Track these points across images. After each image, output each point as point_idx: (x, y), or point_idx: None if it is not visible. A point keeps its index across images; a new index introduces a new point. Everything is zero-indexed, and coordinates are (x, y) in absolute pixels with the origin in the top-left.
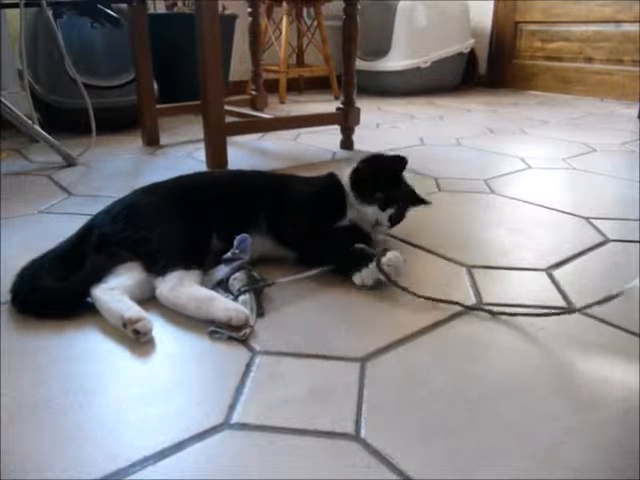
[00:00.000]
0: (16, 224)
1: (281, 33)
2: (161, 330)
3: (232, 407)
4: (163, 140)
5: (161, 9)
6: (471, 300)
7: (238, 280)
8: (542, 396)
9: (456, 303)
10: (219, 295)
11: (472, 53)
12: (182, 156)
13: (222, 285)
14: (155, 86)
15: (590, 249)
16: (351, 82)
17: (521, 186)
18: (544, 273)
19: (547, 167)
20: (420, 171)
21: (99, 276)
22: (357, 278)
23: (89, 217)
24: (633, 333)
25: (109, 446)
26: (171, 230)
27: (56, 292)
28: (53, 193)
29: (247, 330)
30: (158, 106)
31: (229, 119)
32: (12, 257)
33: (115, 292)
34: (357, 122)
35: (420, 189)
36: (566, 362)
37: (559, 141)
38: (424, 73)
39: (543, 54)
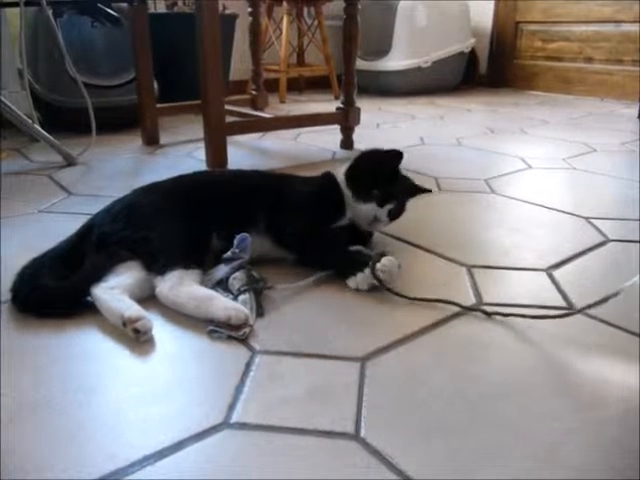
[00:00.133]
0: (16, 223)
1: (281, 33)
2: (161, 329)
3: (232, 407)
4: (163, 139)
5: (161, 8)
6: (471, 300)
7: (238, 279)
8: (542, 396)
9: (452, 303)
10: (218, 294)
11: (473, 53)
12: (182, 155)
13: (222, 284)
14: (155, 85)
15: (590, 249)
16: (351, 82)
17: (521, 186)
18: (544, 273)
19: (547, 167)
20: (420, 171)
21: (99, 275)
22: (352, 282)
23: (89, 216)
24: (633, 333)
25: (109, 446)
26: (171, 229)
27: (56, 291)
28: (53, 192)
29: (246, 329)
30: (158, 105)
31: (229, 119)
32: (12, 256)
33: (115, 291)
34: (357, 122)
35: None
36: (566, 362)
37: (559, 141)
38: (425, 73)
39: (543, 54)
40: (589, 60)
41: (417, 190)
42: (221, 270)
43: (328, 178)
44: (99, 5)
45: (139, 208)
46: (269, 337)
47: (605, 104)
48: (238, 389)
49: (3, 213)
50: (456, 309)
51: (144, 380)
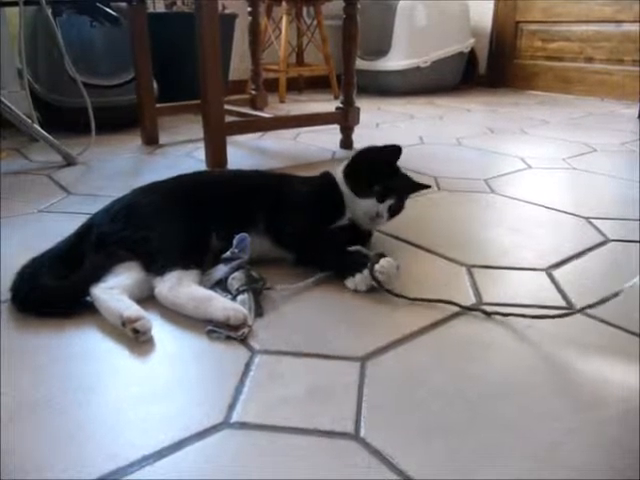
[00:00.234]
0: (16, 223)
1: (281, 32)
2: (160, 329)
3: (232, 406)
4: (163, 139)
5: (160, 8)
6: (471, 300)
7: (237, 280)
8: (542, 396)
9: (451, 303)
10: (217, 295)
11: (472, 53)
12: (182, 155)
13: (221, 285)
14: (155, 85)
15: (590, 249)
16: (351, 81)
17: (521, 186)
18: (544, 273)
19: (547, 167)
20: (420, 170)
21: (98, 275)
22: (350, 283)
23: (88, 216)
24: (633, 333)
25: (109, 445)
26: (170, 230)
27: (56, 291)
28: (53, 192)
29: (245, 330)
30: (158, 105)
31: (229, 118)
32: (12, 256)
33: (114, 291)
34: (357, 121)
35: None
36: (566, 362)
37: (559, 141)
38: (424, 73)
39: (543, 54)
40: (589, 60)
41: (416, 187)
42: (220, 270)
43: (327, 178)
44: (98, 5)
45: (138, 208)
46: (269, 337)
47: (605, 104)
48: (238, 389)
49: (3, 213)
50: (456, 309)
51: (144, 380)
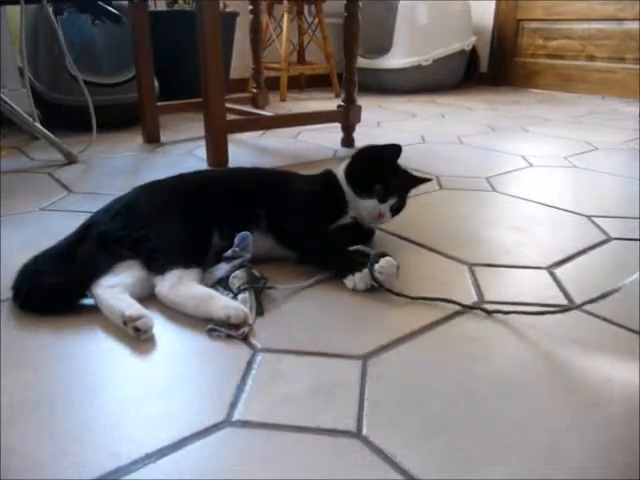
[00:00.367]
0: (17, 221)
1: (282, 30)
2: (162, 328)
3: (234, 405)
4: (164, 138)
5: (162, 6)
6: (472, 298)
7: (238, 278)
8: (543, 394)
9: (452, 301)
10: (218, 294)
11: (474, 51)
12: (183, 154)
13: (222, 283)
14: (156, 83)
15: (592, 247)
16: (352, 80)
17: (523, 184)
18: (546, 271)
19: (549, 165)
20: (421, 169)
21: (99, 274)
22: (349, 282)
23: (89, 214)
24: (634, 331)
25: (110, 444)
26: (171, 228)
27: (56, 289)
28: (54, 191)
29: (246, 329)
30: (159, 103)
31: (230, 117)
32: (13, 254)
33: (115, 290)
34: (358, 120)
35: (422, 187)
36: (567, 360)
37: (561, 139)
38: (425, 71)
39: (545, 52)
40: (591, 58)
41: (416, 181)
42: (222, 268)
43: (328, 176)
44: (99, 3)
45: (139, 207)
46: (270, 335)
47: (607, 102)
48: (240, 387)
49: (4, 211)
50: (457, 307)
51: (145, 378)
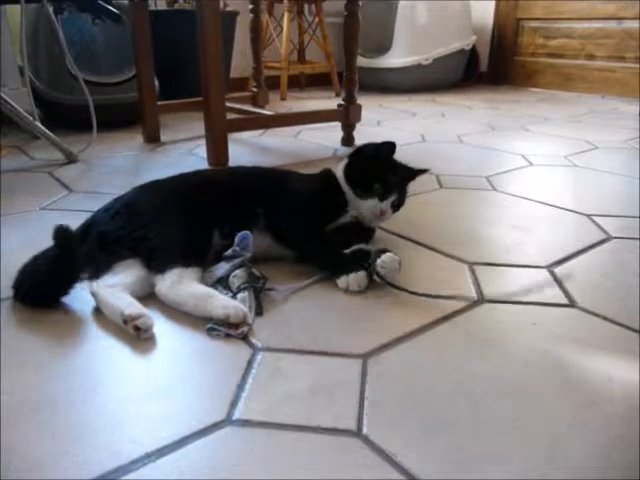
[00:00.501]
0: (17, 221)
1: (282, 30)
2: (162, 327)
3: (234, 404)
4: (164, 137)
5: (162, 5)
6: (473, 297)
7: (238, 278)
8: (543, 393)
9: (455, 298)
10: (217, 293)
11: (474, 50)
12: (183, 153)
13: (222, 282)
14: (156, 83)
15: (592, 246)
16: (352, 79)
17: (523, 183)
18: (546, 270)
19: (548, 164)
20: (421, 168)
21: (99, 273)
22: (342, 282)
23: (90, 214)
24: (634, 330)
25: (111, 443)
26: (171, 228)
27: (55, 287)
28: (54, 190)
29: (245, 328)
30: (159, 103)
31: (230, 116)
32: (13, 254)
33: (115, 289)
34: (358, 119)
35: (421, 186)
36: (568, 360)
37: (561, 138)
38: (425, 70)
39: (545, 51)
40: (591, 57)
41: (414, 173)
42: (222, 268)
43: (327, 176)
44: (100, 2)
45: (139, 206)
46: (270, 334)
47: (606, 101)
48: (240, 386)
49: (4, 210)
50: (458, 307)
51: (145, 377)
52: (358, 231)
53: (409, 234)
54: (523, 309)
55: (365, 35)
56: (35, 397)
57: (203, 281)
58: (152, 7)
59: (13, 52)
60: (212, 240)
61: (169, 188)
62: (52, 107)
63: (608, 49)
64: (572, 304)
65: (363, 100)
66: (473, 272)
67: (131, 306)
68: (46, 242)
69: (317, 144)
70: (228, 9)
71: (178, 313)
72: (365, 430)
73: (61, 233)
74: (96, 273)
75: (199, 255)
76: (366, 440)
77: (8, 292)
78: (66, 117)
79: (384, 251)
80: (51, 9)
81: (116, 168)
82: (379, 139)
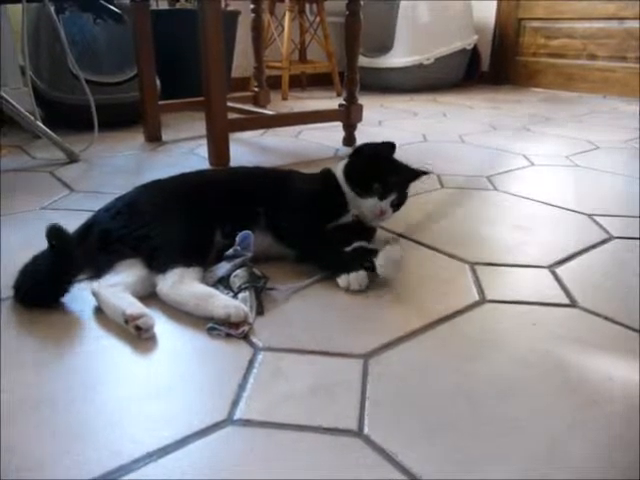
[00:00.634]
0: (18, 220)
1: (283, 29)
2: (163, 327)
3: (235, 403)
4: (165, 136)
5: (164, 5)
6: (474, 297)
7: (239, 277)
8: (544, 393)
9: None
10: (218, 292)
11: (475, 50)
12: (184, 152)
13: (223, 282)
14: (157, 82)
15: (593, 246)
16: (354, 79)
17: (524, 183)
18: (547, 270)
19: (550, 164)
20: (423, 168)
21: (100, 272)
22: (342, 281)
23: (91, 213)
24: (634, 330)
25: (112, 442)
26: (172, 227)
27: (56, 287)
28: (55, 189)
29: (245, 328)
30: (160, 102)
31: (231, 115)
32: (14, 254)
33: (116, 288)
34: (359, 119)
35: (423, 186)
36: (568, 359)
37: (562, 138)
38: (427, 70)
39: (546, 51)
40: (592, 57)
41: (415, 174)
42: (223, 267)
43: (327, 176)
44: (101, 1)
45: (140, 206)
46: (271, 334)
47: (608, 101)
48: (241, 386)
49: (4, 210)
50: (459, 307)
51: (146, 377)
52: (359, 230)
53: (410, 234)
54: (524, 309)
55: (366, 35)
56: (35, 396)
57: (204, 281)
58: (153, 7)
59: (14, 51)
60: (213, 240)
61: (170, 187)
62: (53, 106)
63: (609, 49)
64: (573, 304)
65: (364, 100)
66: (474, 272)
67: (132, 306)
68: (47, 242)
69: (318, 144)
70: (229, 9)
71: (179, 313)
72: (366, 430)
73: (54, 233)
74: (97, 272)
75: (200, 255)
76: (367, 440)
77: (8, 292)
78: (67, 117)
79: (387, 242)
80: (52, 8)
81: (117, 168)
82: (380, 139)
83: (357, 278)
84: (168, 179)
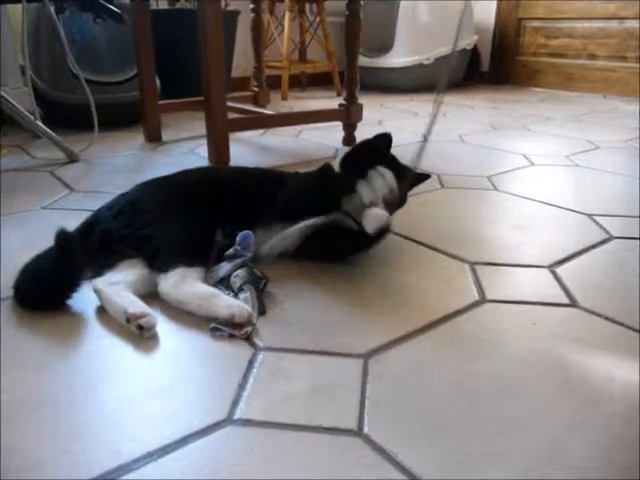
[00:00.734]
0: (18, 220)
1: (283, 29)
2: (164, 326)
3: (235, 403)
4: (165, 136)
5: (164, 5)
6: (474, 297)
7: (239, 277)
8: (544, 393)
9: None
10: (221, 293)
11: (475, 50)
12: (184, 152)
13: (224, 282)
14: (157, 82)
15: (593, 246)
16: (354, 78)
17: (524, 183)
18: (547, 270)
19: (550, 164)
20: (423, 168)
21: (101, 271)
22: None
23: (91, 213)
24: (635, 330)
25: (112, 442)
26: (173, 227)
27: (57, 287)
28: (55, 189)
29: (249, 328)
30: (160, 102)
31: (231, 115)
32: (14, 253)
33: (118, 287)
34: (359, 118)
35: (423, 186)
36: (568, 359)
37: (562, 138)
38: (427, 70)
39: (546, 51)
40: (592, 57)
41: (417, 178)
42: (223, 267)
43: (325, 167)
44: (101, 1)
45: (141, 205)
46: (272, 334)
47: (608, 101)
48: (241, 386)
49: (5, 210)
50: (459, 306)
51: (147, 376)
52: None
53: (410, 234)
54: (524, 309)
55: (366, 34)
56: (35, 395)
57: (205, 281)
58: (153, 6)
59: (14, 51)
60: (214, 239)
61: (172, 187)
62: (53, 106)
63: (609, 49)
64: (573, 304)
65: (364, 100)
66: (474, 272)
67: (134, 305)
68: (47, 242)
69: (318, 144)
70: (229, 8)
71: (180, 312)
72: (366, 430)
73: (62, 237)
74: (98, 272)
75: (202, 254)
76: (367, 440)
77: (9, 292)
78: (67, 116)
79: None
80: (52, 8)
81: (117, 167)
82: None
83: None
84: (169, 177)
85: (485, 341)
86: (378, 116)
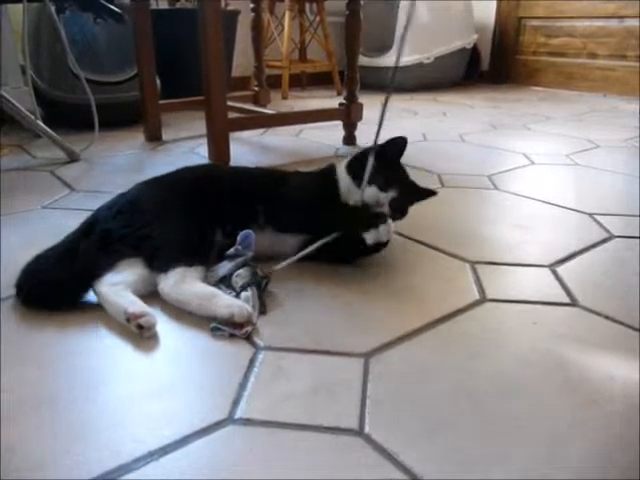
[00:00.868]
0: (19, 220)
1: (283, 29)
2: (164, 325)
3: (236, 402)
4: (165, 136)
5: (164, 5)
6: (475, 296)
7: (241, 277)
8: (544, 392)
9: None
10: (221, 292)
11: (475, 49)
12: (185, 152)
13: (225, 282)
14: (157, 82)
15: (594, 245)
16: (354, 78)
17: (524, 182)
18: (548, 269)
19: (550, 163)
20: (423, 167)
21: (101, 271)
22: (371, 236)
23: (92, 212)
24: (635, 329)
25: (113, 442)
26: (173, 227)
27: (59, 286)
28: (56, 189)
29: (249, 328)
30: (160, 102)
31: (232, 115)
32: (15, 253)
33: (118, 287)
34: (360, 118)
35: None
36: (569, 358)
37: (562, 137)
38: (427, 69)
39: (546, 50)
40: (592, 56)
41: (422, 194)
42: (224, 267)
43: (327, 169)
44: (101, 1)
45: (141, 204)
46: (272, 333)
47: (608, 100)
48: (242, 385)
49: (5, 209)
50: (459, 306)
51: (148, 376)
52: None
53: (410, 233)
54: (525, 308)
55: (366, 34)
56: (36, 395)
57: (205, 280)
58: (154, 6)
59: (15, 51)
60: (214, 239)
61: (172, 186)
62: (54, 106)
63: (609, 48)
64: (574, 303)
65: (364, 99)
66: (475, 271)
67: (134, 304)
68: (48, 241)
69: (318, 143)
70: (229, 8)
71: (180, 312)
72: (367, 429)
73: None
74: (98, 271)
75: (202, 254)
76: (368, 439)
77: (9, 291)
78: (68, 116)
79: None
80: (53, 8)
81: (118, 167)
82: (380, 138)
83: (387, 229)
84: (168, 175)
85: (486, 340)
86: (378, 115)
